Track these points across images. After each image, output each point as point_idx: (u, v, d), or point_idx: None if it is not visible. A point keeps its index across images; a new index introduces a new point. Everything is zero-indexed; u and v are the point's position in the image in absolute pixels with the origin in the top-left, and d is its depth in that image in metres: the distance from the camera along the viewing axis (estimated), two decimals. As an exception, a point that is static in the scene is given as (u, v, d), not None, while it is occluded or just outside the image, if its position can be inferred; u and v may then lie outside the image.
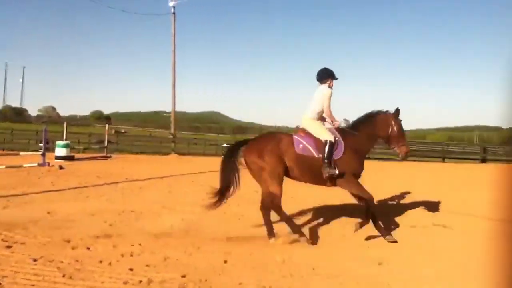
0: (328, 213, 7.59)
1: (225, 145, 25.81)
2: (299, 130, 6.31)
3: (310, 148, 5.89)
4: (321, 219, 7.16)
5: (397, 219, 7.34)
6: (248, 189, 9.71)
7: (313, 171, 5.88)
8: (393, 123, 6.13)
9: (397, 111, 6.19)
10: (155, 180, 11.85)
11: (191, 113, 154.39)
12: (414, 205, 8.47)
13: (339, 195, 7.62)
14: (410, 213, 7.90)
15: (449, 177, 16.88)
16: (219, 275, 4.28)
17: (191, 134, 56.63)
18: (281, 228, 5.92)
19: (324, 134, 5.91)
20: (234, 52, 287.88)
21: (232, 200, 8.66)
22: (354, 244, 5.67)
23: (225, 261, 4.72)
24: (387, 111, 6.28)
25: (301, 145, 5.92)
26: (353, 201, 6.42)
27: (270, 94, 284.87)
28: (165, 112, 78.03)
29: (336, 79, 6.31)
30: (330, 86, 6.23)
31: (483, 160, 24.90)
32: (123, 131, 53.36)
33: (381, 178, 13.46)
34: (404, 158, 6.46)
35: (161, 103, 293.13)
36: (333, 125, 6.22)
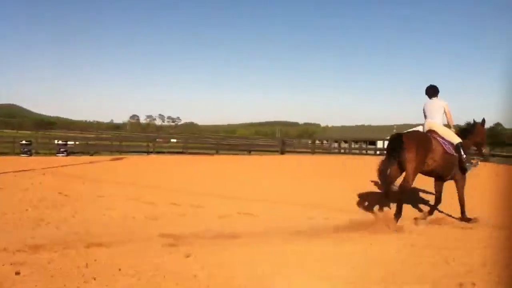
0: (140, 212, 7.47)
1: (23, 142, 23.04)
2: (432, 132, 7.17)
3: (451, 147, 6.98)
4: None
5: (206, 211, 7.66)
6: (51, 191, 8.88)
7: (447, 167, 7.03)
8: (484, 131, 7.78)
9: (484, 121, 7.68)
10: None
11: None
12: (223, 196, 8.98)
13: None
14: (218, 203, 8.35)
15: (253, 167, 18.28)
16: (8, 289, 3.78)
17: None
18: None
19: (455, 137, 7.11)
20: (33, 37, 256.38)
21: (29, 203, 7.85)
22: (161, 241, 5.65)
23: (17, 273, 4.20)
24: (479, 122, 7.63)
25: (447, 145, 6.96)
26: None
27: (80, 86, 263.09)
28: None
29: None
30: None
31: (282, 152, 27.80)
32: None
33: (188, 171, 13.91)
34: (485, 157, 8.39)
35: None
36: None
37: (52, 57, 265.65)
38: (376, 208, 7.81)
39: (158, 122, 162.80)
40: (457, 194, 7.31)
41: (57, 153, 22.84)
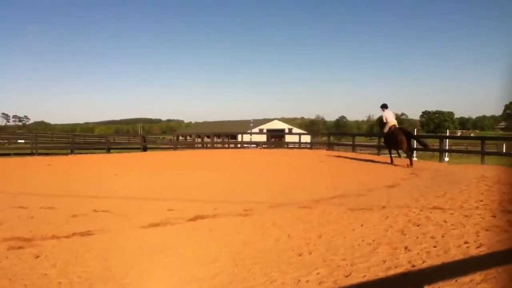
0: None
1: None
2: (395, 125, 14.92)
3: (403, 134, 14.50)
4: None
5: (58, 212, 7.30)
6: None
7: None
8: None
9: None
10: None
11: None
12: (79, 195, 8.60)
13: None
14: (72, 203, 8.01)
15: (111, 166, 17.67)
16: None
17: None
18: None
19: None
20: None
21: None
22: (6, 245, 5.29)
23: None
24: None
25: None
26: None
27: None
28: None
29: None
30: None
31: (144, 149, 27.28)
32: None
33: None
34: None
35: None
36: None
37: None
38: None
39: (1, 121, 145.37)
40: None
41: None
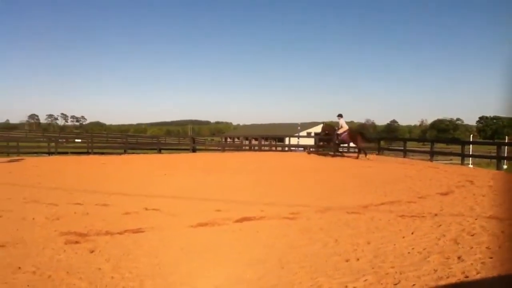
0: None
1: None
2: (350, 129, 20.94)
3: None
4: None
5: (111, 209, 7.60)
6: None
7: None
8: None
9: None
10: None
11: None
12: (129, 194, 8.91)
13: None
14: (124, 201, 8.31)
15: (162, 165, 18.18)
16: None
17: None
18: None
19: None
20: None
21: None
22: (63, 239, 5.57)
23: None
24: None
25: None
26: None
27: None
28: None
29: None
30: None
31: (194, 150, 27.85)
32: None
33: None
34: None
35: None
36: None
37: None
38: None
39: (60, 122, 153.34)
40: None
41: None
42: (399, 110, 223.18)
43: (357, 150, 20.28)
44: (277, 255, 4.88)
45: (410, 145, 32.42)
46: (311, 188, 10.84)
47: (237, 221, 6.65)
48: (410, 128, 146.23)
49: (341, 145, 22.12)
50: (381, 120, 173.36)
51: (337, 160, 19.78)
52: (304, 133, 55.40)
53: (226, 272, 4.30)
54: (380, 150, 23.35)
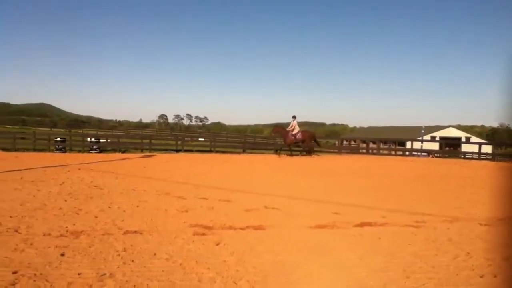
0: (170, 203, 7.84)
1: (58, 139, 23.91)
2: (304, 130, 23.90)
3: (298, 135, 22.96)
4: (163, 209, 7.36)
5: (233, 205, 7.94)
6: (87, 185, 9.42)
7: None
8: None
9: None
10: (-26, 178, 10.50)
11: (16, 104, 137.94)
12: (250, 192, 9.24)
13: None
14: (245, 198, 8.63)
15: (280, 165, 18.52)
16: (56, 268, 4.16)
17: (17, 128, 50.29)
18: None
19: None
20: (68, 37, 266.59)
21: (67, 195, 8.33)
22: (192, 230, 5.97)
23: (62, 254, 4.60)
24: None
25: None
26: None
27: (110, 87, 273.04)
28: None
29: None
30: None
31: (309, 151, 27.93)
32: None
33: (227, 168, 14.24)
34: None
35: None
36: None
37: (82, 59, 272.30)
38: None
39: (186, 121, 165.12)
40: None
41: (90, 150, 23.61)
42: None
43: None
44: (401, 264, 4.65)
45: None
46: (437, 195, 10.13)
47: (356, 225, 6.49)
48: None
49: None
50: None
51: (464, 165, 18.19)
52: (428, 137, 52.03)
53: (347, 277, 4.21)
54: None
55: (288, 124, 23.83)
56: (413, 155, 25.98)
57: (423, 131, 54.65)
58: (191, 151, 26.30)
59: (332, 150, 32.14)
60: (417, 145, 32.04)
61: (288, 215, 7.20)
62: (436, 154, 25.00)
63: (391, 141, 46.74)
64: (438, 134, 61.75)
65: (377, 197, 9.48)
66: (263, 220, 6.63)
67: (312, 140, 24.02)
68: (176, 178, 11.96)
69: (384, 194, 10.05)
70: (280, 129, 24.10)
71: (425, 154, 26.10)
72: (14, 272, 3.96)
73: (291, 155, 23.23)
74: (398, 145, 42.10)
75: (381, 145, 34.98)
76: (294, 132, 22.83)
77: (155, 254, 4.76)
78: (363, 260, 4.79)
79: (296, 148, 24.55)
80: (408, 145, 33.43)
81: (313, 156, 23.22)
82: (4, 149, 22.01)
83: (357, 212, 7.52)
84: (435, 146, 28.99)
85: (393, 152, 33.22)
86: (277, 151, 24.54)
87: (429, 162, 21.79)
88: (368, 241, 5.61)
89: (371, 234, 6.01)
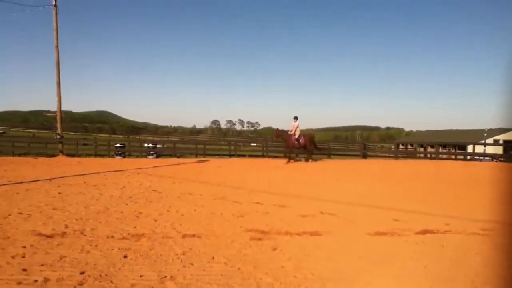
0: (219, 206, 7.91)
1: (118, 145, 24.95)
2: (303, 134, 21.90)
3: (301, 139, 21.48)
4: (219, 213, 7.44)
5: (289, 210, 7.88)
6: (146, 189, 9.70)
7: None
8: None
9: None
10: (43, 182, 11.14)
11: (78, 112, 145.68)
12: (305, 197, 9.14)
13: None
14: (301, 204, 8.55)
15: (335, 171, 18.26)
16: (119, 269, 4.30)
17: (80, 135, 53.13)
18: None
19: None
20: (125, 48, 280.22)
21: (128, 199, 8.61)
22: (248, 235, 5.98)
23: (125, 256, 4.74)
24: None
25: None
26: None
27: (165, 95, 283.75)
28: (47, 111, 72.13)
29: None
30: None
31: (364, 156, 27.31)
32: (1, 131, 48.45)
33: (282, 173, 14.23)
34: None
35: (40, 102, 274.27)
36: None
37: (140, 67, 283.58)
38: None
39: (238, 127, 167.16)
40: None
41: (147, 155, 24.42)
42: None
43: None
44: (469, 273, 4.39)
45: None
46: (504, 202, 9.53)
47: (418, 232, 6.23)
48: None
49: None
50: None
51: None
52: (490, 140, 49.37)
53: (411, 286, 4.03)
54: None
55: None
56: (475, 160, 24.69)
57: (485, 134, 51.88)
58: (244, 155, 26.52)
59: (387, 155, 31.28)
60: (479, 149, 30.46)
61: (345, 221, 7.04)
62: (500, 159, 23.60)
63: (451, 144, 44.80)
64: (502, 137, 58.39)
65: (438, 203, 9.08)
66: (319, 226, 6.52)
67: (312, 143, 22.20)
68: (230, 183, 12.07)
69: (445, 200, 9.61)
70: (282, 132, 22.28)
71: (488, 158, 24.74)
72: (82, 273, 4.13)
73: (291, 158, 21.89)
74: (459, 149, 40.27)
75: (440, 149, 33.57)
76: (296, 137, 21.31)
77: (213, 258, 4.80)
78: (427, 269, 4.57)
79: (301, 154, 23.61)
80: (470, 149, 31.89)
81: (310, 161, 21.63)
82: (68, 155, 23.23)
83: (418, 219, 7.22)
84: (499, 150, 27.32)
85: (453, 157, 31.82)
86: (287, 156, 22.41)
87: (493, 166, 20.64)
88: (431, 249, 5.36)
89: (434, 242, 5.74)
